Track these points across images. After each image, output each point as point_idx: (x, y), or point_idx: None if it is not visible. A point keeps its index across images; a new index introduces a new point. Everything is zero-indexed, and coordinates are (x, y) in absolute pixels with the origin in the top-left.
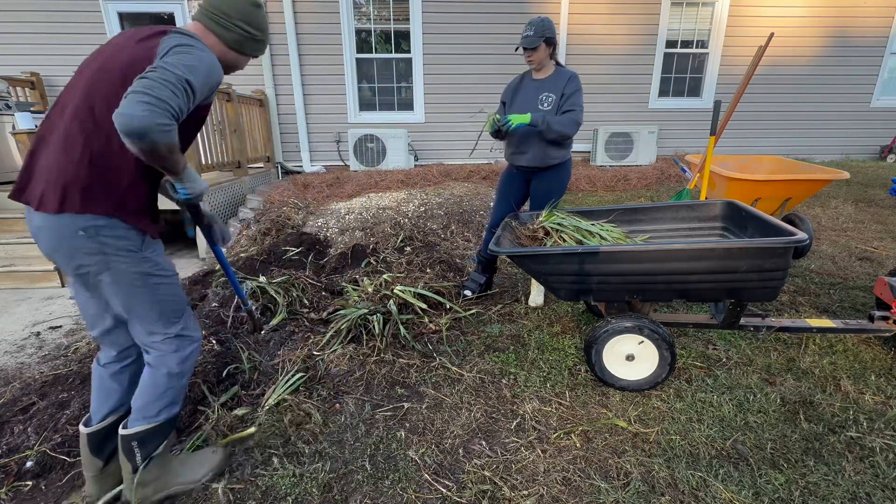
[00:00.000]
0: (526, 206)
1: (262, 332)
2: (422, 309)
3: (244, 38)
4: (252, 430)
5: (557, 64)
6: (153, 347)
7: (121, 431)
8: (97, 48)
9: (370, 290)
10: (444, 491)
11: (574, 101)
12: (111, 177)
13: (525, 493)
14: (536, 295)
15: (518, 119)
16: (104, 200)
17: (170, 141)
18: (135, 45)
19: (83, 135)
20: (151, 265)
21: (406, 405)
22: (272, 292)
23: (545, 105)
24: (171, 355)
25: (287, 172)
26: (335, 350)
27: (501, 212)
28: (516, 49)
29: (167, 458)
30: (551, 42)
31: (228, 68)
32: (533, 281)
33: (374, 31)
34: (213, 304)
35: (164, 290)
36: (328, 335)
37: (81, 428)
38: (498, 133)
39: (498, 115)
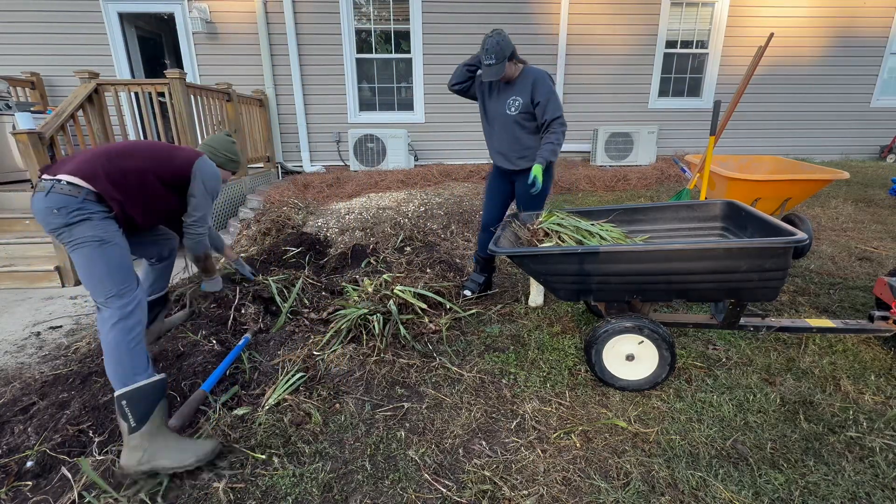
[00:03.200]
0: (514, 206)
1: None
2: (422, 309)
3: (225, 160)
4: (264, 457)
5: (521, 62)
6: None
7: (115, 393)
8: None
9: (370, 290)
10: (444, 491)
11: (554, 107)
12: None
13: (525, 493)
14: (536, 295)
15: (538, 172)
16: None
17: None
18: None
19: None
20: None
21: (406, 405)
22: (275, 292)
23: (512, 109)
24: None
25: (287, 172)
26: (335, 350)
27: (491, 212)
28: (482, 79)
29: (162, 430)
30: (513, 56)
31: None
32: (533, 281)
33: (374, 31)
34: (212, 305)
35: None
36: (328, 335)
37: None
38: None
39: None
